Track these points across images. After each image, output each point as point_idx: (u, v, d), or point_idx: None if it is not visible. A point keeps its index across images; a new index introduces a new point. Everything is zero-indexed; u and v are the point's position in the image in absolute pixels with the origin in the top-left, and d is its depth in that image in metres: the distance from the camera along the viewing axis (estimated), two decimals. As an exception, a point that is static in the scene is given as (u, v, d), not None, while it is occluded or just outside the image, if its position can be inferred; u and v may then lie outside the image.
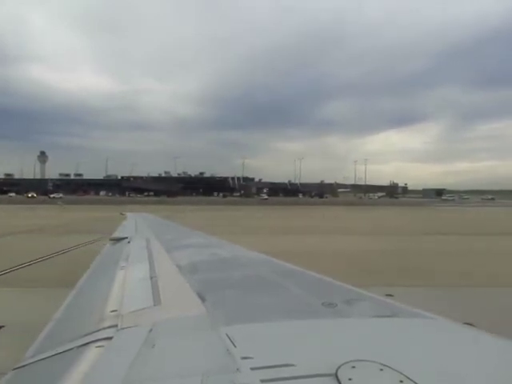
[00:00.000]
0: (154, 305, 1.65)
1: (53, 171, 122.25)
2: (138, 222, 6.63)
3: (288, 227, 22.06)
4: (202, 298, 1.63)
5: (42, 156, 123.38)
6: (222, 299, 1.69)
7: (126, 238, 4.34)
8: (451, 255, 11.91)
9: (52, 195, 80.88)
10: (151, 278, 2.14)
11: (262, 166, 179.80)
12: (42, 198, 76.53)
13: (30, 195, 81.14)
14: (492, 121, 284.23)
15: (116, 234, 4.90)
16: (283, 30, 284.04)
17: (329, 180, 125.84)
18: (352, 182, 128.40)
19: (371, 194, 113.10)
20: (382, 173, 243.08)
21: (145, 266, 2.50)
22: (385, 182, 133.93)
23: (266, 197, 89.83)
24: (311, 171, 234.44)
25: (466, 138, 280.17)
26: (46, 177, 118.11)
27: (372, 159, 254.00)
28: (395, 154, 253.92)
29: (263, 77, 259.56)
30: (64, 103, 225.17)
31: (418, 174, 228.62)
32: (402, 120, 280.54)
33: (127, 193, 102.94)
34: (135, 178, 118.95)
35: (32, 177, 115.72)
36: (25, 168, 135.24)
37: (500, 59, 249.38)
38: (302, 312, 1.48)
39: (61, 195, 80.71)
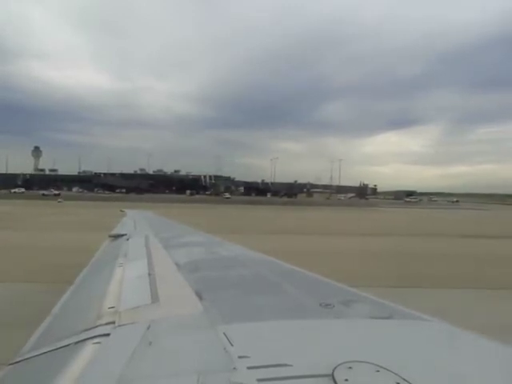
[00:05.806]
0: (152, 302, 1.64)
1: (48, 167, 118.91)
2: (137, 219, 6.54)
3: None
4: (200, 297, 1.64)
5: (36, 151, 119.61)
6: (220, 298, 1.68)
7: (125, 234, 4.28)
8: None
9: (13, 190, 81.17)
10: (149, 275, 2.13)
11: (259, 166, 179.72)
12: (3, 192, 77.07)
13: None
14: (487, 125, 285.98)
15: (115, 231, 4.79)
16: (283, 31, 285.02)
17: (312, 180, 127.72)
18: (326, 183, 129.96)
19: (339, 195, 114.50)
20: (362, 174, 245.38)
21: (143, 264, 2.48)
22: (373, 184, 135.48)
23: (229, 196, 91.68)
24: (303, 171, 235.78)
25: (457, 141, 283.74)
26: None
27: (361, 161, 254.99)
28: (377, 158, 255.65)
29: (259, 76, 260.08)
30: (62, 100, 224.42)
31: (398, 176, 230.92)
32: (393, 123, 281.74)
33: (95, 189, 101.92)
34: (106, 174, 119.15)
35: (5, 171, 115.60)
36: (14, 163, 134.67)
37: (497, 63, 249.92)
38: (300, 312, 1.48)
39: (22, 190, 79.91)
